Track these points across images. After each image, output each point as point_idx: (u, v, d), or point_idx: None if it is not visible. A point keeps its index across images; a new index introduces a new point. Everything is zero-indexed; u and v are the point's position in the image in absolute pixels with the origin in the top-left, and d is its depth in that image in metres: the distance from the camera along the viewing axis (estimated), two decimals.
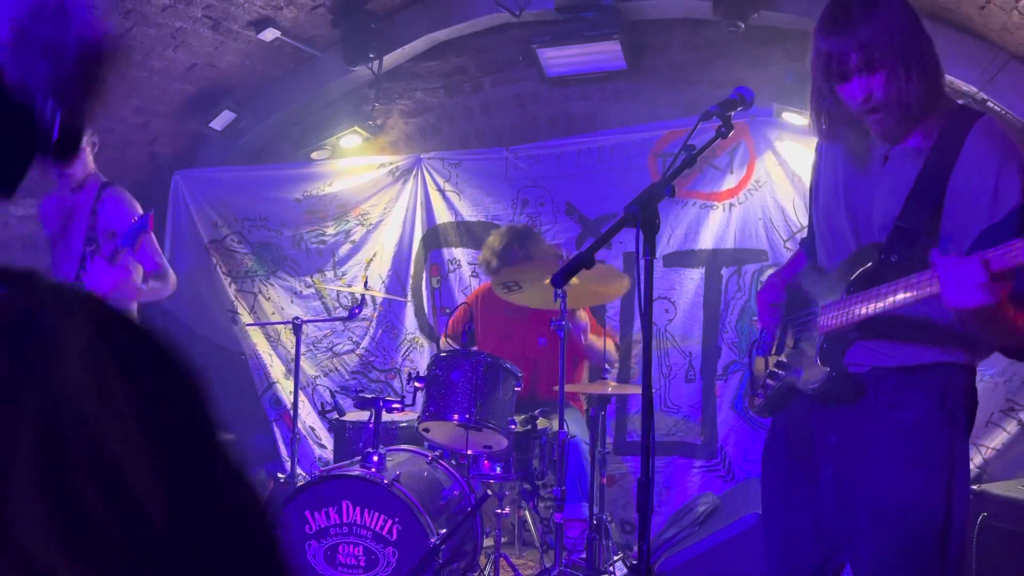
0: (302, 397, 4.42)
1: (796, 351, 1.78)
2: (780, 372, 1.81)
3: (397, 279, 4.78)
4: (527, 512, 3.96)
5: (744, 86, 1.81)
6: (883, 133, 1.62)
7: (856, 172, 1.69)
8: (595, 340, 3.74)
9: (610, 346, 3.86)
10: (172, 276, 3.48)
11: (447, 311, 4.66)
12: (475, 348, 3.56)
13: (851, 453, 1.65)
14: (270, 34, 4.25)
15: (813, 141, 3.75)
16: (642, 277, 1.39)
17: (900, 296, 1.45)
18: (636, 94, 4.43)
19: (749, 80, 4.08)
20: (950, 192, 1.53)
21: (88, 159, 3.31)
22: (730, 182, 4.06)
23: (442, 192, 4.69)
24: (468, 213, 4.63)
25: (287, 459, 4.63)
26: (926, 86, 1.53)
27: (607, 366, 3.69)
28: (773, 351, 1.88)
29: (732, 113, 1.72)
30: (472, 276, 4.62)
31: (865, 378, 1.65)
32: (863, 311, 1.53)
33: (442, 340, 4.20)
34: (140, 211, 3.30)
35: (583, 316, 3.69)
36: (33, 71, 0.68)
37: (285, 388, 4.79)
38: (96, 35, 0.73)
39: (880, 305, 1.49)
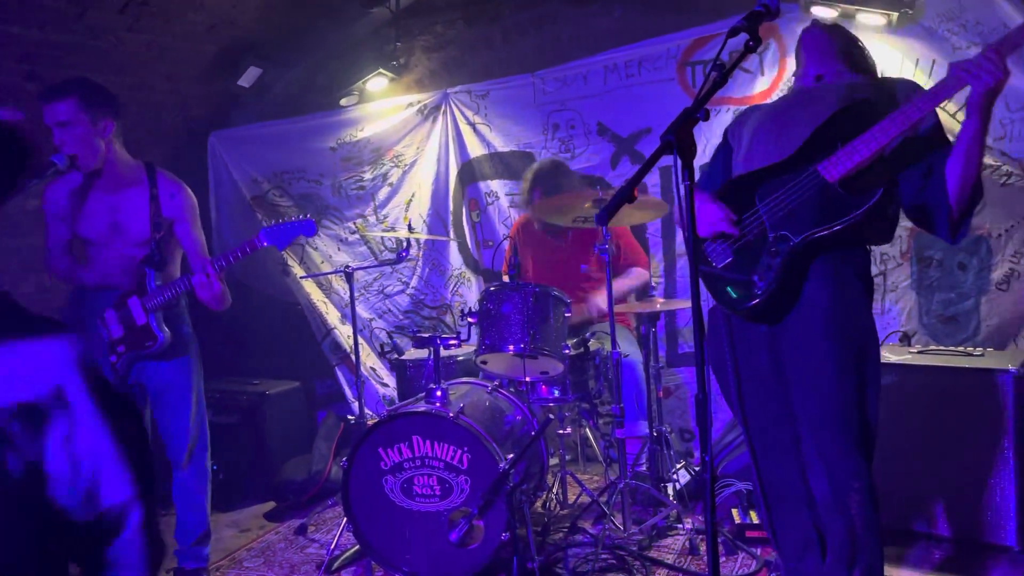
0: (361, 340, 4.53)
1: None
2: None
3: (438, 217, 4.85)
4: (588, 430, 4.09)
5: None
6: None
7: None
8: (623, 283, 3.83)
9: (651, 268, 3.89)
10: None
11: (490, 244, 4.73)
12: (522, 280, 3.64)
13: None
14: None
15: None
16: (684, 202, 1.43)
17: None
18: (660, 3, 4.33)
19: None
20: None
21: (98, 144, 2.81)
22: (762, 84, 3.97)
23: (472, 125, 4.69)
24: (500, 144, 4.64)
25: (353, 401, 4.82)
26: None
27: (653, 287, 3.74)
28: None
29: (760, 25, 1.70)
30: (511, 207, 4.65)
31: None
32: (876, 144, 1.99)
33: (504, 279, 4.27)
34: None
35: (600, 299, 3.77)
36: None
37: (343, 333, 4.93)
38: None
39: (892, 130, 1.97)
